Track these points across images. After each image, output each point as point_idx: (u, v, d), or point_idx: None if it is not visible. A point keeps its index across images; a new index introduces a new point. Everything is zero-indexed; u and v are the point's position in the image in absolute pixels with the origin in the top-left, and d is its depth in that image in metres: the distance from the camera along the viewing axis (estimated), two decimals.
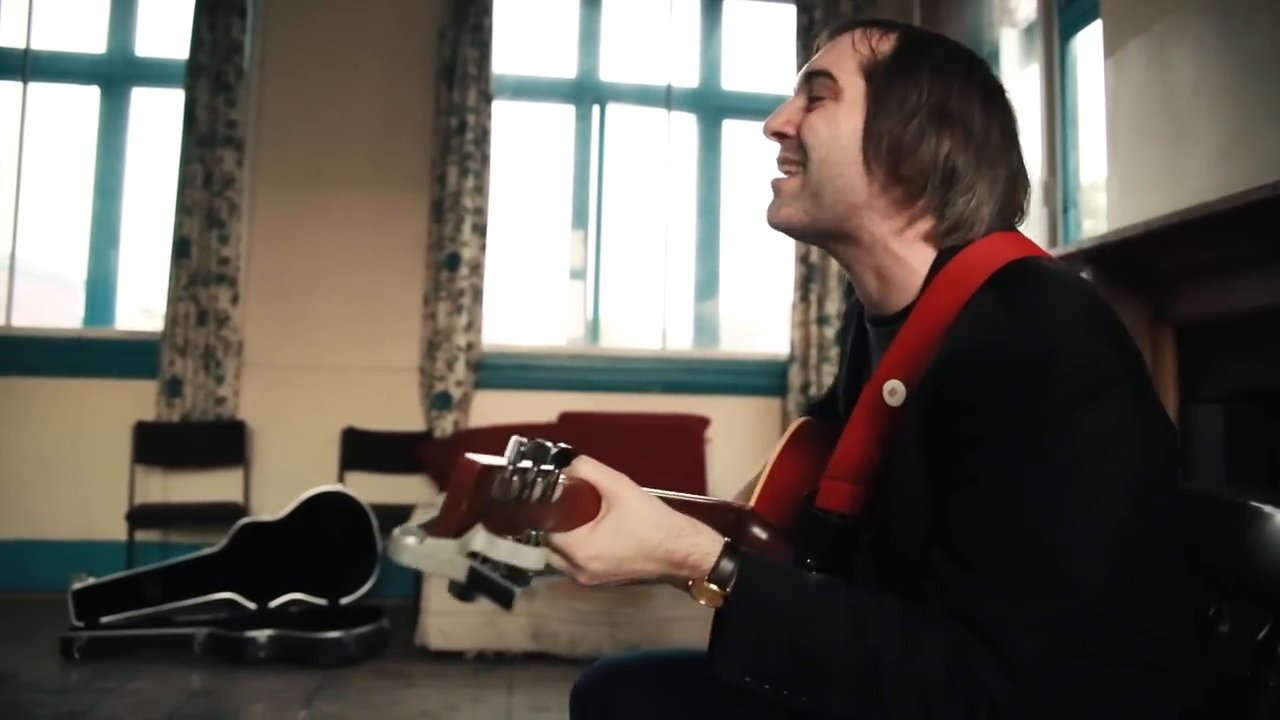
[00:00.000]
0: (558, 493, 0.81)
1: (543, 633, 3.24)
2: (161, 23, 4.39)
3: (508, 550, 0.76)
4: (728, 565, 0.86)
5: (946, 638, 0.81)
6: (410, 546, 0.74)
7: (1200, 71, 2.59)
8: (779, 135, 0.99)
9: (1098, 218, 3.45)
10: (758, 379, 4.45)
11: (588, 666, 1.16)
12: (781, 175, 0.99)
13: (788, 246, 4.43)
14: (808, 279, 4.35)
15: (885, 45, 0.95)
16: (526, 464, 0.79)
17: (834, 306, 4.33)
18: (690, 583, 0.87)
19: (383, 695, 2.84)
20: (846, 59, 0.95)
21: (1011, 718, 0.81)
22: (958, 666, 0.80)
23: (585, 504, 0.85)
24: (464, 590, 0.76)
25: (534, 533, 0.80)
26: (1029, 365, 0.80)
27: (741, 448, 4.24)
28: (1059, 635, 0.82)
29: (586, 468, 0.86)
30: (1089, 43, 3.50)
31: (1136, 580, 0.88)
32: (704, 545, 0.87)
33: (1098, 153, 3.13)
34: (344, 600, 3.38)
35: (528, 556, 0.78)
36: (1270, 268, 2.20)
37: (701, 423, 4.14)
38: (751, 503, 1.04)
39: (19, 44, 4.27)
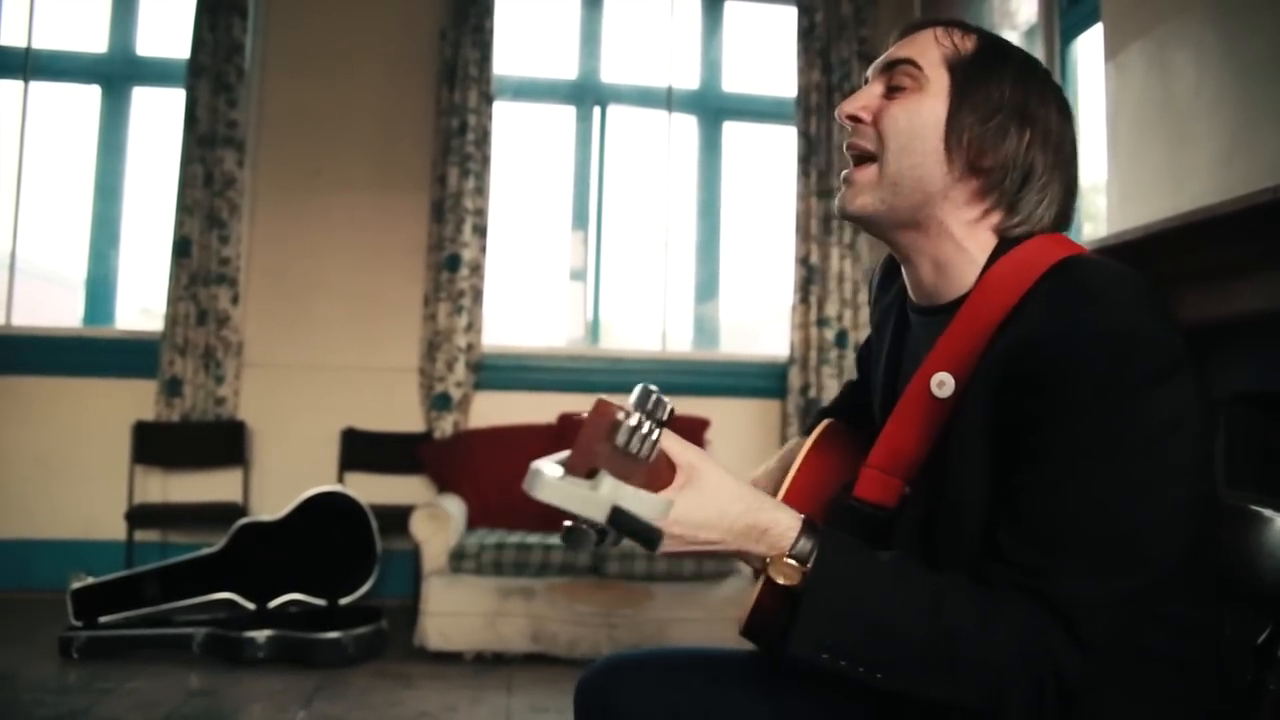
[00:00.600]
0: (655, 453, 0.81)
1: (542, 634, 3.24)
2: (163, 22, 4.39)
3: (633, 496, 0.76)
4: (807, 543, 0.86)
5: (1019, 615, 0.82)
6: (551, 481, 0.74)
7: (1201, 75, 2.59)
8: (854, 120, 0.99)
9: (1098, 221, 3.45)
10: (757, 381, 4.45)
11: (586, 667, 1.16)
12: (854, 167, 0.99)
13: (788, 249, 4.43)
14: (808, 281, 4.35)
15: (968, 44, 0.97)
16: (641, 416, 0.79)
17: (834, 309, 4.33)
18: (768, 559, 0.87)
19: (381, 696, 2.84)
20: (930, 51, 0.96)
21: (1077, 695, 0.82)
22: (1031, 643, 0.81)
23: (665, 473, 0.86)
24: (576, 537, 0.76)
25: (633, 452, 0.79)
26: (1109, 342, 0.82)
27: (741, 449, 4.24)
28: (1129, 613, 0.83)
29: (666, 439, 0.86)
30: (1090, 46, 3.50)
31: (1188, 572, 0.88)
32: (785, 520, 0.88)
33: (1098, 155, 3.13)
34: (343, 601, 3.37)
35: (652, 505, 0.78)
36: (1271, 271, 2.20)
37: (701, 424, 4.14)
38: (779, 497, 1.05)
39: (20, 43, 4.28)
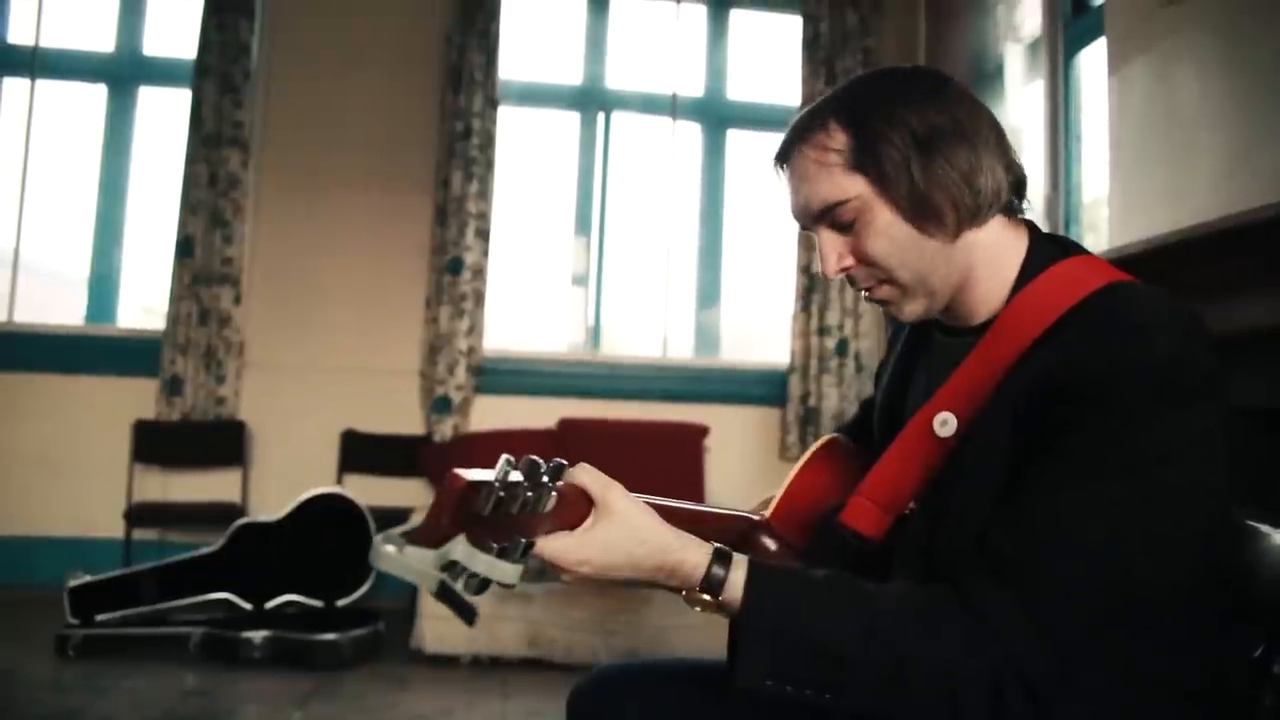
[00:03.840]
0: (551, 503, 0.84)
1: (539, 638, 3.24)
2: (170, 23, 4.40)
3: (485, 564, 0.83)
4: (719, 572, 0.87)
5: (968, 617, 0.82)
6: (389, 554, 0.83)
7: (1204, 90, 2.60)
8: (844, 271, 0.98)
9: (1099, 233, 3.46)
10: (757, 388, 4.45)
11: (583, 673, 1.16)
12: (872, 288, 0.99)
13: (790, 257, 4.44)
14: (809, 289, 4.35)
15: (840, 135, 0.95)
16: (517, 478, 0.82)
17: (835, 318, 4.34)
18: (683, 593, 0.89)
19: (377, 698, 2.84)
20: (830, 175, 0.95)
21: (1046, 694, 0.80)
22: (984, 643, 0.80)
23: (579, 508, 0.88)
24: (449, 597, 0.82)
25: (522, 541, 0.84)
26: (1140, 367, 0.82)
27: (740, 457, 4.24)
28: (1111, 626, 0.83)
29: (583, 474, 0.89)
30: (1093, 59, 3.52)
31: (1195, 594, 0.88)
32: (692, 557, 0.88)
33: (1101, 169, 3.14)
34: (340, 602, 3.37)
35: (504, 571, 0.83)
36: (1272, 287, 2.21)
37: (701, 431, 4.14)
38: (768, 513, 1.05)
39: (28, 41, 4.29)
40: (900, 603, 0.84)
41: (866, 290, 0.99)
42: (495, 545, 0.83)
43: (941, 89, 0.95)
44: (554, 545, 0.86)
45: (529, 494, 0.83)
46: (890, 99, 0.95)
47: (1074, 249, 0.97)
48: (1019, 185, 0.97)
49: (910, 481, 0.94)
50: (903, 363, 1.09)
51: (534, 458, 0.84)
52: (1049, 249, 0.96)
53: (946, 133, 0.92)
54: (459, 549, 0.82)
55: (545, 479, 0.84)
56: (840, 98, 0.98)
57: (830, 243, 0.98)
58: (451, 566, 0.83)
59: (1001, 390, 0.89)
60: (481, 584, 0.84)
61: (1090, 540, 0.82)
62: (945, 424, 0.92)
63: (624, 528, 0.87)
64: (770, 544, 1.01)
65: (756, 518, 1.04)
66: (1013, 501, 0.85)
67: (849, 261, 0.97)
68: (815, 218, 0.98)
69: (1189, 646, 0.89)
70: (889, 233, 0.94)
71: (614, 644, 3.22)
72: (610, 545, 0.87)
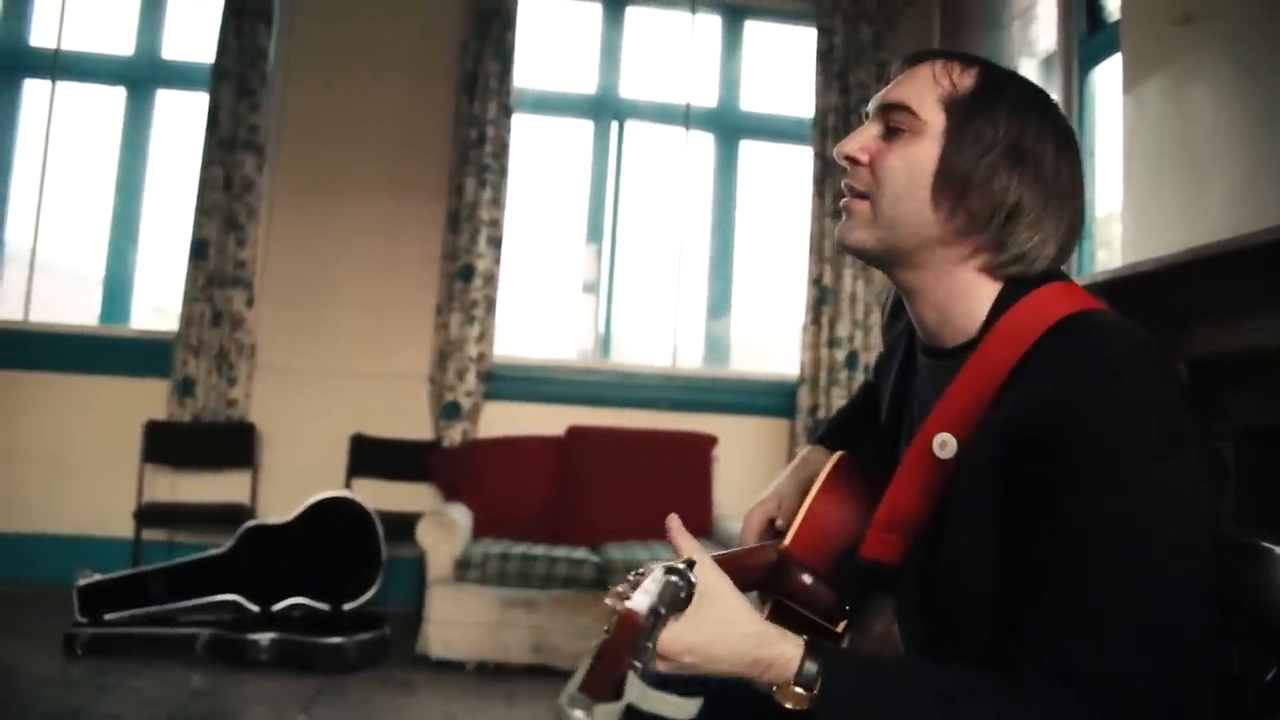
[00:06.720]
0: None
1: (544, 645, 3.24)
2: (188, 27, 4.44)
3: (657, 700, 0.76)
4: (811, 668, 0.86)
5: (1042, 707, 0.81)
6: None
7: (1217, 110, 2.60)
8: (852, 161, 0.98)
9: (1112, 249, 3.45)
10: (767, 399, 4.45)
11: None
12: (850, 197, 0.99)
13: (801, 269, 4.44)
14: (819, 301, 4.35)
15: (966, 80, 0.95)
16: (673, 591, 0.80)
17: (845, 329, 4.33)
18: (775, 687, 0.87)
19: (382, 703, 2.84)
20: (927, 92, 0.95)
21: None
22: None
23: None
24: None
25: (650, 646, 0.78)
26: (1118, 412, 0.81)
27: (749, 468, 4.24)
28: (1161, 686, 0.81)
29: (699, 567, 0.87)
30: (1108, 76, 3.52)
31: (1206, 628, 0.86)
32: (789, 651, 0.87)
33: (1114, 185, 3.13)
34: (347, 606, 3.38)
35: (680, 708, 0.78)
36: None
37: (709, 441, 4.14)
38: (787, 540, 1.05)
39: (49, 44, 4.34)
40: (976, 697, 0.83)
41: (848, 192, 0.99)
42: (637, 664, 0.74)
43: (1070, 147, 0.96)
44: (664, 634, 0.82)
45: (675, 608, 0.80)
46: (1032, 106, 0.95)
47: (1053, 275, 0.96)
48: (1051, 266, 0.96)
49: (919, 506, 0.94)
50: (899, 383, 1.09)
51: (678, 568, 0.82)
52: (1027, 281, 0.95)
53: (1039, 170, 0.92)
54: (634, 690, 0.73)
55: (693, 578, 0.81)
56: (1002, 69, 0.99)
57: (868, 134, 0.98)
58: (627, 713, 0.73)
59: (987, 419, 0.89)
60: None
61: (1123, 612, 0.81)
62: (945, 446, 0.92)
63: (730, 617, 0.86)
64: (806, 579, 1.01)
65: (784, 547, 1.05)
66: (1035, 579, 0.84)
67: (865, 158, 0.97)
68: (882, 108, 0.98)
69: (1201, 678, 0.89)
70: (912, 167, 0.94)
71: None
72: (718, 634, 0.85)
